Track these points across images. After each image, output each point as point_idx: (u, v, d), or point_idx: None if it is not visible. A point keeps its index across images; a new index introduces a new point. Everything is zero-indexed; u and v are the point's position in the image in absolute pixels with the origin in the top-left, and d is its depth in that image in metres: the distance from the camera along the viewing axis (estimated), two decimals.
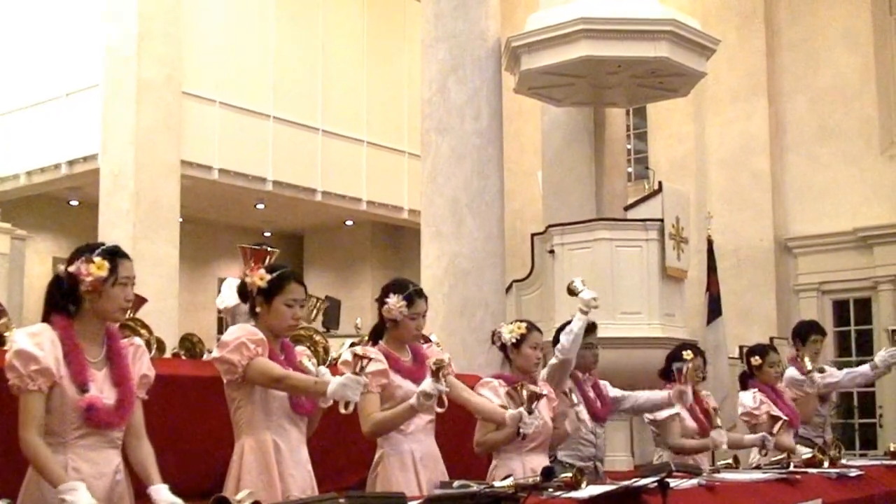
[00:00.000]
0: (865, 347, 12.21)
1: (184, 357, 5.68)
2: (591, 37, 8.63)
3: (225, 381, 3.41)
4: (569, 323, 5.04)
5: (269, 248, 6.75)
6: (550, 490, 3.19)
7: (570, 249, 8.66)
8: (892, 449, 6.02)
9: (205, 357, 5.41)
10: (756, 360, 6.05)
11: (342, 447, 4.48)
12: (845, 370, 6.75)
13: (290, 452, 3.39)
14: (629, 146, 13.71)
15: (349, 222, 16.37)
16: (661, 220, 8.48)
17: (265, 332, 3.42)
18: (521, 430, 4.01)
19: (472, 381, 4.43)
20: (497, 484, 3.02)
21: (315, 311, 7.15)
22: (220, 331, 13.04)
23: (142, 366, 3.12)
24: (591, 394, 5.16)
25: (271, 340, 3.43)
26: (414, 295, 3.96)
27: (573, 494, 3.19)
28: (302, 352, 3.63)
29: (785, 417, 5.76)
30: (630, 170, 13.56)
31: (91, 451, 2.90)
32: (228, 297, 6.67)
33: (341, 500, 2.67)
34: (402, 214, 15.42)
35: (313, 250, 17.42)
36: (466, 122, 8.96)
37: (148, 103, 11.46)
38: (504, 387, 4.34)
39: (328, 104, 14.48)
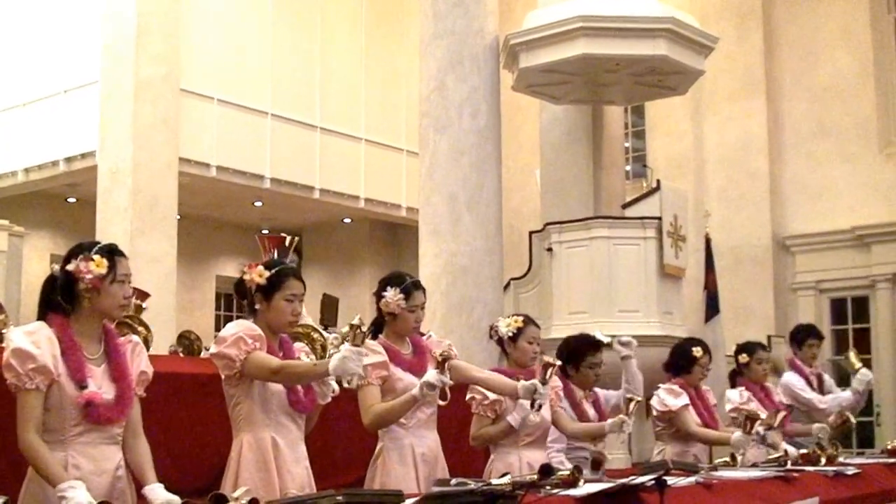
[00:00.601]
0: (863, 346, 12.22)
1: (181, 354, 5.69)
2: (589, 35, 8.62)
3: (223, 376, 3.41)
4: None
5: (286, 239, 6.65)
6: (548, 487, 3.19)
7: (567, 247, 8.67)
8: (889, 447, 6.03)
9: (202, 354, 5.41)
10: (744, 358, 6.07)
11: (340, 444, 4.48)
12: (831, 396, 6.74)
13: (288, 449, 3.38)
14: (627, 144, 13.71)
15: (347, 220, 16.36)
16: (660, 219, 8.48)
17: (264, 328, 3.42)
18: (535, 401, 4.02)
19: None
20: (495, 481, 3.02)
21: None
22: (218, 328, 13.02)
23: (140, 363, 3.11)
24: (591, 412, 5.10)
25: (270, 337, 3.43)
26: (411, 287, 3.96)
27: (571, 492, 3.19)
28: (300, 348, 3.64)
29: (784, 411, 5.76)
30: (628, 168, 13.56)
31: (91, 447, 2.90)
32: None
33: (339, 498, 2.67)
34: (400, 212, 15.42)
35: (311, 248, 17.41)
36: (465, 120, 8.96)
37: (146, 101, 11.46)
38: None
39: (326, 102, 14.47)
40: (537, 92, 9.89)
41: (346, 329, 3.26)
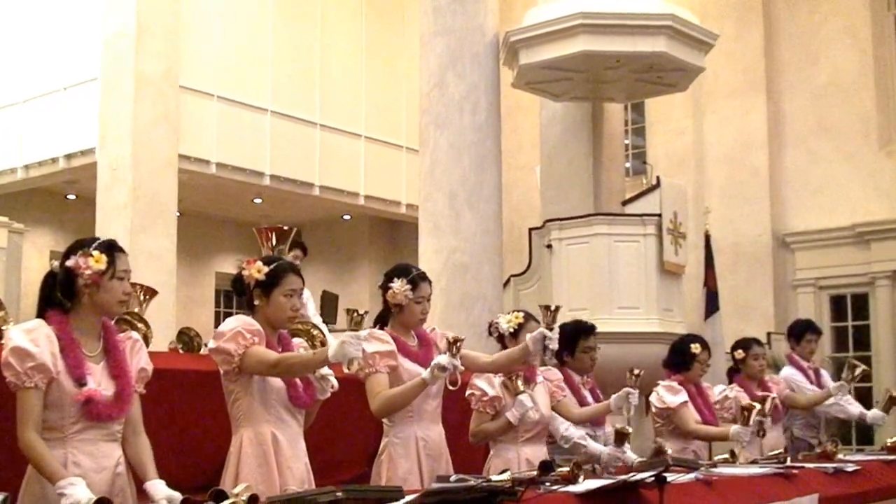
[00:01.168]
0: (862, 343, 12.23)
1: (181, 351, 5.67)
2: (589, 32, 8.63)
3: (222, 372, 3.41)
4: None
5: (285, 228, 6.55)
6: (548, 484, 3.19)
7: (567, 244, 8.68)
8: (889, 444, 6.03)
9: (202, 351, 5.39)
10: (740, 354, 6.11)
11: (340, 441, 4.48)
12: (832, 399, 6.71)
13: (288, 445, 3.38)
14: (627, 141, 13.71)
15: (347, 217, 16.34)
16: (659, 215, 8.49)
17: (263, 324, 3.41)
18: (547, 346, 4.01)
19: (467, 375, 4.45)
20: (494, 478, 3.02)
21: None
22: (218, 325, 13.01)
23: (140, 359, 3.12)
24: (590, 398, 5.10)
25: (269, 333, 3.43)
26: (418, 278, 3.99)
27: (570, 489, 3.19)
28: (299, 344, 3.63)
29: (774, 395, 5.75)
30: (628, 165, 13.56)
31: (91, 444, 2.90)
32: None
33: (339, 494, 2.67)
34: (400, 209, 15.40)
35: (311, 245, 17.25)
36: (465, 117, 8.96)
37: (146, 97, 11.43)
38: (499, 377, 4.37)
39: (326, 99, 14.46)
40: (537, 89, 9.89)
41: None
